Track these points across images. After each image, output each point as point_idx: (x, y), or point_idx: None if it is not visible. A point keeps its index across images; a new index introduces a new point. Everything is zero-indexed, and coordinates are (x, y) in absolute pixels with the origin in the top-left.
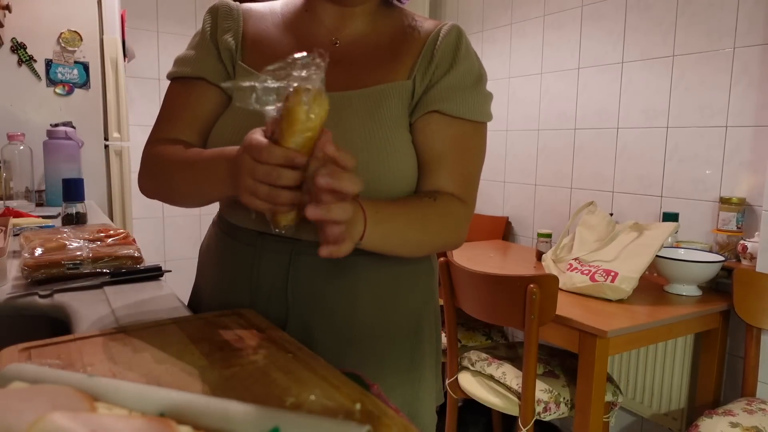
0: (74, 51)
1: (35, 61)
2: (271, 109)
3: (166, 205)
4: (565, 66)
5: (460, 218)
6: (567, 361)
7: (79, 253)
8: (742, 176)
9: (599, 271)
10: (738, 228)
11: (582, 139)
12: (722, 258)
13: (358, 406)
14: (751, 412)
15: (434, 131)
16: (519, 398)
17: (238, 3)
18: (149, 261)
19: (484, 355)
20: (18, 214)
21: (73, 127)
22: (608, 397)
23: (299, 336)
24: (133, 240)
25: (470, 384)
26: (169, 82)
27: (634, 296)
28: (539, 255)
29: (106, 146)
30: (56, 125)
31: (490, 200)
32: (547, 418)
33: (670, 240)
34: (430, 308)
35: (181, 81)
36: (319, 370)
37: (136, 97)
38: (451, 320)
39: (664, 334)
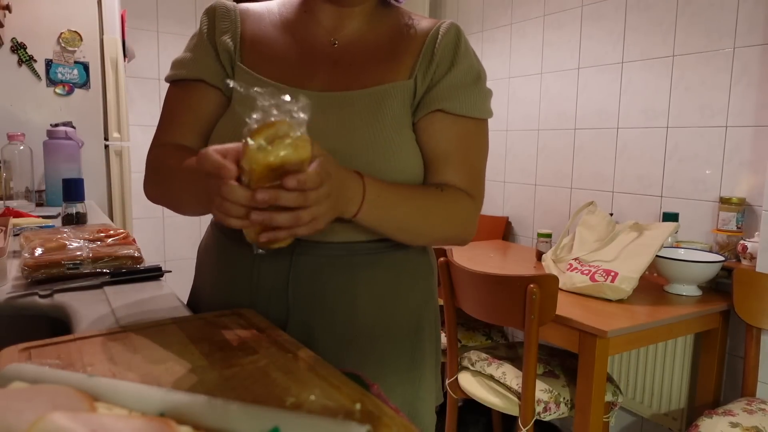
0: (74, 51)
1: (35, 61)
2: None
3: None
4: (565, 66)
5: (468, 212)
6: (567, 361)
7: (79, 253)
8: (742, 176)
9: (599, 271)
10: (738, 228)
11: (582, 139)
12: (722, 258)
13: (358, 406)
14: (751, 412)
15: (438, 130)
16: (519, 398)
17: (235, 3)
18: (149, 261)
19: (484, 355)
20: (18, 214)
21: (73, 127)
22: (608, 397)
23: (299, 336)
24: (133, 240)
25: (470, 384)
26: (168, 85)
27: (634, 296)
28: (539, 255)
29: (106, 146)
30: (56, 125)
31: (490, 200)
32: (547, 418)
33: (670, 240)
34: (430, 307)
35: (180, 84)
36: (319, 370)
37: (136, 97)
38: (451, 320)
39: (664, 334)
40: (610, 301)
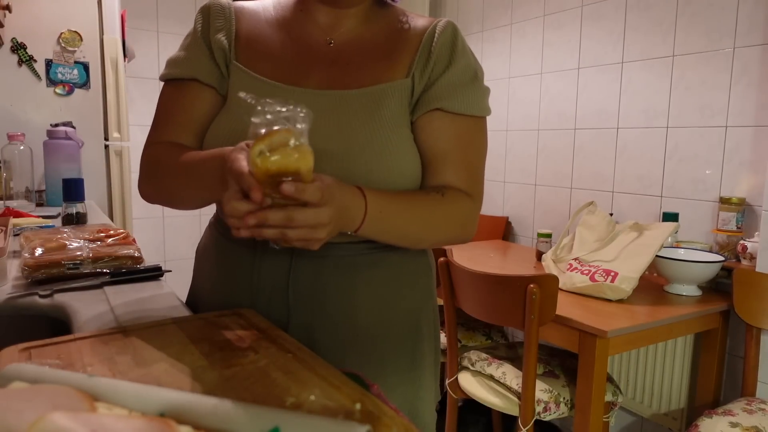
0: (74, 51)
1: (35, 61)
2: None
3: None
4: (565, 66)
5: (468, 213)
6: (567, 361)
7: (79, 253)
8: (742, 176)
9: (599, 271)
10: (738, 228)
11: (582, 139)
12: (722, 258)
13: (358, 406)
14: (751, 412)
15: (437, 128)
16: (519, 398)
17: (230, 1)
18: (149, 261)
19: (484, 355)
20: (18, 214)
21: (73, 127)
22: (608, 397)
23: (300, 336)
24: (133, 240)
25: (470, 384)
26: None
27: (634, 296)
28: (539, 255)
29: (106, 146)
30: (56, 125)
31: (490, 200)
32: (547, 418)
33: (670, 240)
34: (429, 307)
35: (174, 83)
36: (319, 370)
37: (136, 97)
38: (451, 320)
39: (664, 334)
40: (610, 301)
